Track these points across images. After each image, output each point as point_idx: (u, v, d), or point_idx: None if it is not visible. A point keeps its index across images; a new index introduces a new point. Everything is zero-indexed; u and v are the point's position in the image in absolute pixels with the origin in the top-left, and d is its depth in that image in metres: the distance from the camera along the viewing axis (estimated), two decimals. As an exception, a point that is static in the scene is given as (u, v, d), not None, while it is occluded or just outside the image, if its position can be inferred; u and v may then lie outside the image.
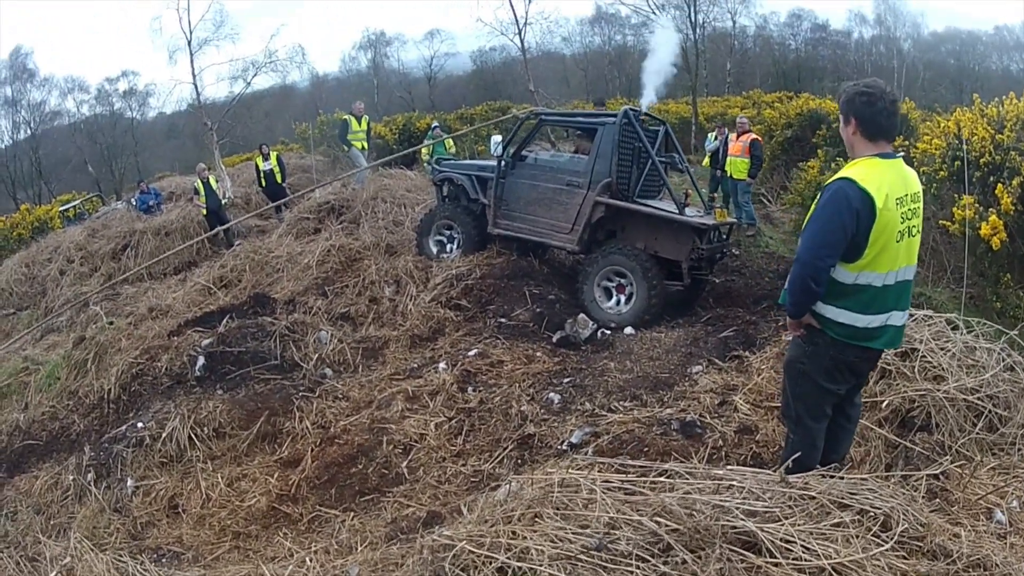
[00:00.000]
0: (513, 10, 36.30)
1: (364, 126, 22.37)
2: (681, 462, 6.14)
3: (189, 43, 32.38)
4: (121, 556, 6.49)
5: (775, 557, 4.00)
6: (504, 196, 13.55)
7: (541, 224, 13.19)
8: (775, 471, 4.94)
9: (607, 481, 4.94)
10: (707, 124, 32.89)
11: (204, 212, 21.79)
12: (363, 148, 22.31)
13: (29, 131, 59.07)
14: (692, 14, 42.85)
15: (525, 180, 13.40)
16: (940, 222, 12.44)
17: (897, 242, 4.97)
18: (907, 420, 6.97)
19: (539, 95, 34.74)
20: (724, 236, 13.31)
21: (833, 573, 3.95)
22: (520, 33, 36.43)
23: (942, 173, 13.28)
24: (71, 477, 9.00)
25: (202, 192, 21.50)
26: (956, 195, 12.73)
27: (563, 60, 68.69)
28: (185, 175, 36.91)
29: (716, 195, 18.21)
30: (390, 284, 13.45)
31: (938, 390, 6.99)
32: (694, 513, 4.26)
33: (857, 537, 4.22)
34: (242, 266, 15.90)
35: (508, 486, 5.63)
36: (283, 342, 11.18)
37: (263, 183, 23.26)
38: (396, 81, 72.55)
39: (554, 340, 11.33)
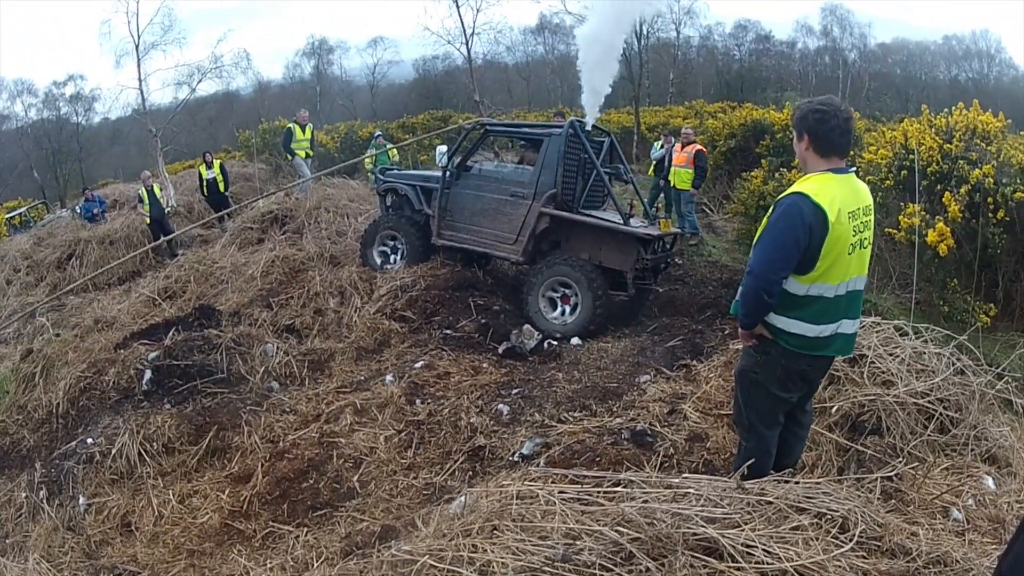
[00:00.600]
0: (461, 20, 36.30)
1: (308, 135, 22.36)
2: (634, 471, 6.16)
3: (137, 47, 32.31)
4: (79, 576, 6.44)
5: (738, 562, 4.01)
6: (448, 207, 13.53)
7: (486, 235, 13.19)
8: (731, 478, 4.96)
9: (563, 492, 4.94)
10: (649, 134, 33.13)
11: (148, 221, 21.51)
12: (307, 156, 22.31)
13: (-23, 134, 58.54)
14: (637, 25, 43.03)
15: (470, 191, 13.39)
16: (886, 230, 12.56)
17: (849, 254, 5.03)
18: (857, 424, 7.03)
19: (485, 105, 34.81)
20: (668, 246, 13.40)
21: (796, 575, 3.97)
22: (467, 43, 36.50)
23: (888, 182, 13.43)
24: (24, 494, 8.91)
25: (146, 200, 21.21)
26: (902, 203, 12.88)
27: (506, 69, 68.66)
28: (129, 182, 36.69)
29: (660, 205, 18.27)
30: (335, 295, 13.39)
31: (888, 395, 7.07)
32: (654, 522, 4.26)
33: (817, 539, 4.24)
34: (186, 277, 15.80)
35: (463, 499, 5.61)
36: (229, 355, 11.06)
37: (206, 192, 23.06)
38: (339, 89, 72.67)
39: (500, 351, 11.32)
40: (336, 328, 12.54)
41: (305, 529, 7.37)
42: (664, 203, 18.80)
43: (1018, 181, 11.98)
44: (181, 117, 39.52)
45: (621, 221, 12.18)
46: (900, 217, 12.43)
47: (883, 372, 7.41)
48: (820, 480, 5.08)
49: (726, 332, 10.53)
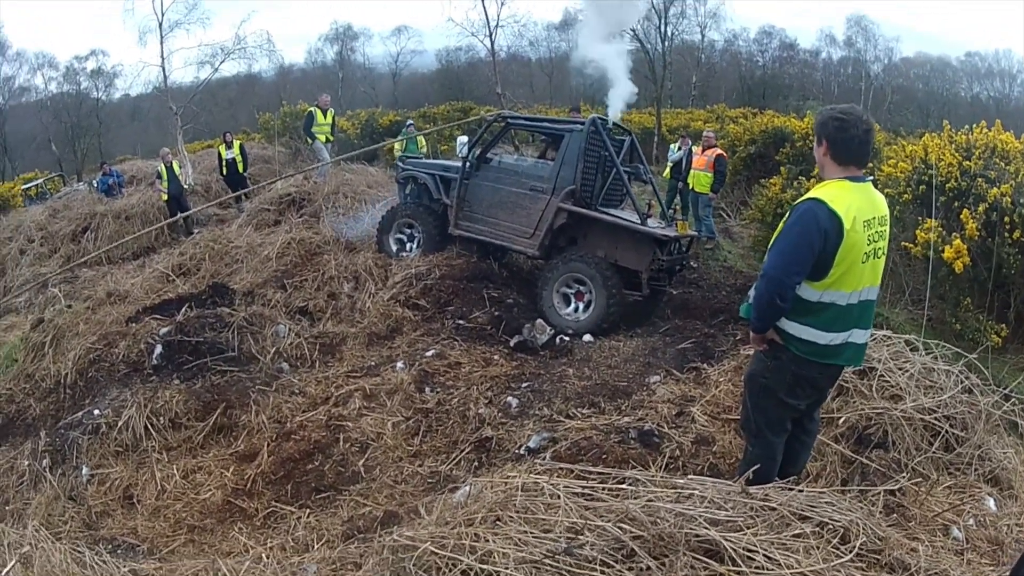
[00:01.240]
0: (485, 12, 36.27)
1: (329, 119, 22.30)
2: (640, 470, 6.16)
3: (160, 25, 32.36)
4: (78, 546, 6.39)
5: (738, 565, 4.02)
6: (467, 197, 13.54)
7: (503, 227, 13.19)
8: (735, 482, 4.96)
9: (568, 486, 4.93)
10: (670, 136, 33.00)
11: (165, 197, 21.56)
12: (327, 141, 22.22)
13: (-3, 105, 58.56)
14: (662, 25, 42.94)
15: (489, 183, 13.39)
16: (902, 244, 12.52)
17: (862, 263, 5.03)
18: (863, 437, 7.02)
19: (506, 98, 34.77)
20: (684, 248, 13.36)
21: (795, 582, 3.98)
22: (491, 35, 36.45)
23: (906, 196, 13.37)
24: (27, 462, 8.90)
25: (164, 176, 21.26)
26: (920, 218, 12.84)
27: (528, 64, 68.55)
28: (147, 159, 36.63)
29: (677, 207, 18.24)
30: (349, 280, 13.40)
31: (895, 409, 7.06)
32: (657, 520, 4.27)
33: (817, 548, 4.26)
34: (201, 255, 15.80)
35: (467, 488, 5.61)
36: (241, 334, 11.05)
37: (224, 171, 23.14)
38: (361, 76, 72.36)
39: (512, 344, 11.33)
40: (349, 313, 12.55)
41: (307, 511, 7.41)
42: (680, 205, 18.80)
43: (1037, 202, 11.95)
44: (202, 96, 39.59)
45: (639, 221, 12.19)
46: (917, 232, 12.38)
47: (892, 386, 7.41)
48: (824, 490, 5.07)
49: (737, 337, 10.51)
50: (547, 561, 4.12)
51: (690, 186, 18.08)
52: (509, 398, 9.11)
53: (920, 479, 6.42)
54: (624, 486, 4.93)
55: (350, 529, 6.84)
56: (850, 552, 4.31)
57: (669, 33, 48.93)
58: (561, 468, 6.04)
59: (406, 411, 9.02)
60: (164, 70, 33.40)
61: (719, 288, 14.79)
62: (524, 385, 9.57)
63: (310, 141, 22.64)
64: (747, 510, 4.51)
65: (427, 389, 9.55)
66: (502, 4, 36.57)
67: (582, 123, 12.73)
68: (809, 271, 4.97)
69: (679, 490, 4.81)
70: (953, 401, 7.23)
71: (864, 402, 7.27)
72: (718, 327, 11.86)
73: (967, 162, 13.05)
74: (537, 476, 5.21)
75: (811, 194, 5.05)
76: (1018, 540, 5.79)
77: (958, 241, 11.69)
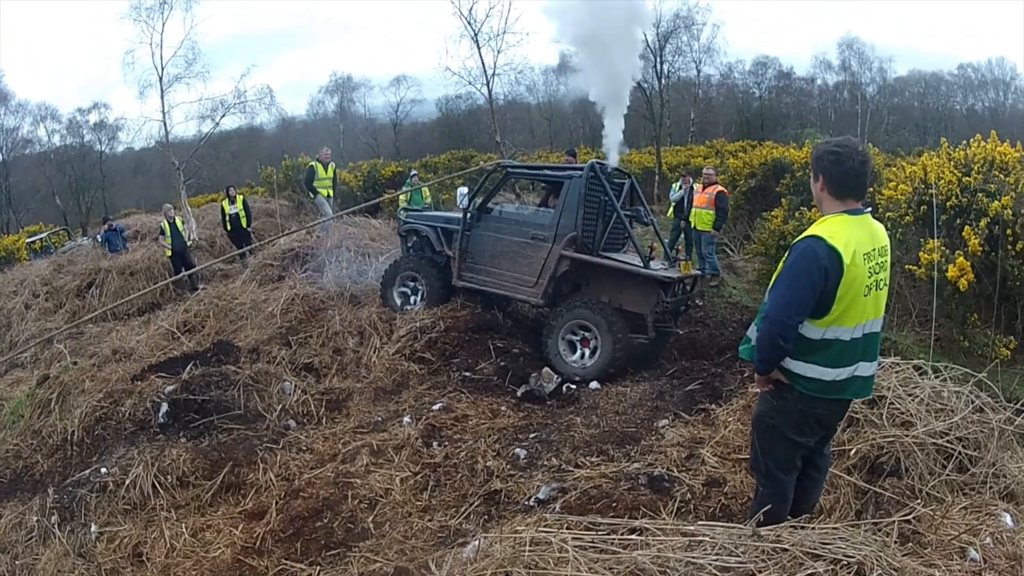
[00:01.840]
0: (482, 61, 36.40)
1: (330, 173, 22.45)
2: (650, 517, 6.18)
3: (160, 79, 32.50)
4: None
5: (752, 611, 3.98)
6: (469, 249, 13.51)
7: (506, 277, 13.15)
8: (747, 524, 4.92)
9: (577, 539, 4.89)
10: (670, 174, 33.17)
11: (169, 253, 21.62)
12: (329, 195, 22.33)
13: (0, 157, 59.13)
14: (657, 64, 43.10)
15: (490, 233, 13.36)
16: (906, 267, 12.52)
17: (864, 296, 5.00)
18: (876, 466, 6.98)
19: (505, 146, 34.89)
20: (689, 288, 13.35)
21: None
22: (488, 83, 36.56)
23: (908, 218, 13.42)
24: (35, 518, 8.84)
25: (168, 233, 21.32)
26: (922, 239, 12.87)
27: (528, 109, 69.09)
28: (151, 213, 36.86)
29: (680, 247, 18.22)
30: (354, 335, 13.34)
31: (907, 435, 7.03)
32: (668, 571, 4.23)
33: (832, 587, 4.18)
34: (206, 311, 15.78)
35: (476, 543, 5.57)
36: (247, 392, 11.04)
37: (228, 227, 23.17)
38: (362, 127, 72.85)
39: (519, 394, 11.29)
40: (355, 368, 12.50)
41: (318, 568, 7.34)
42: (684, 244, 18.78)
43: (1037, 211, 11.96)
44: (204, 150, 39.60)
45: (641, 264, 12.14)
46: (920, 253, 12.39)
47: (902, 413, 7.37)
48: (837, 525, 5.03)
49: (745, 375, 10.40)
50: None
51: (692, 224, 18.06)
52: (517, 449, 9.07)
53: (935, 504, 6.36)
54: (634, 537, 4.89)
55: (362, 586, 6.77)
56: (865, 587, 4.22)
57: (665, 71, 49.07)
58: (570, 520, 5.95)
59: (414, 466, 8.98)
60: (165, 124, 33.48)
61: (725, 325, 14.80)
62: (532, 436, 9.54)
63: (312, 196, 22.75)
64: (759, 553, 4.47)
65: (434, 443, 9.52)
66: (498, 52, 36.64)
67: (581, 169, 12.70)
68: (811, 310, 4.94)
69: (689, 537, 4.76)
70: (964, 422, 7.20)
71: (875, 431, 7.23)
72: (725, 365, 11.77)
73: (967, 178, 13.15)
74: (546, 529, 5.16)
75: (809, 231, 5.02)
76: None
77: (961, 259, 11.74)
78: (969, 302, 12.31)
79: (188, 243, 22.77)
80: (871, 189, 14.37)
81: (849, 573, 4.39)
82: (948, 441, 7.01)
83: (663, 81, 47.64)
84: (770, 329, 5.00)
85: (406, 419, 10.26)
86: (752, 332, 5.35)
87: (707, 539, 4.67)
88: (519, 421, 10.21)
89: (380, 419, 10.55)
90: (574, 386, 11.63)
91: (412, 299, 14.21)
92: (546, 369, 11.88)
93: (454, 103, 68.37)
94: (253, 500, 8.79)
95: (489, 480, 8.40)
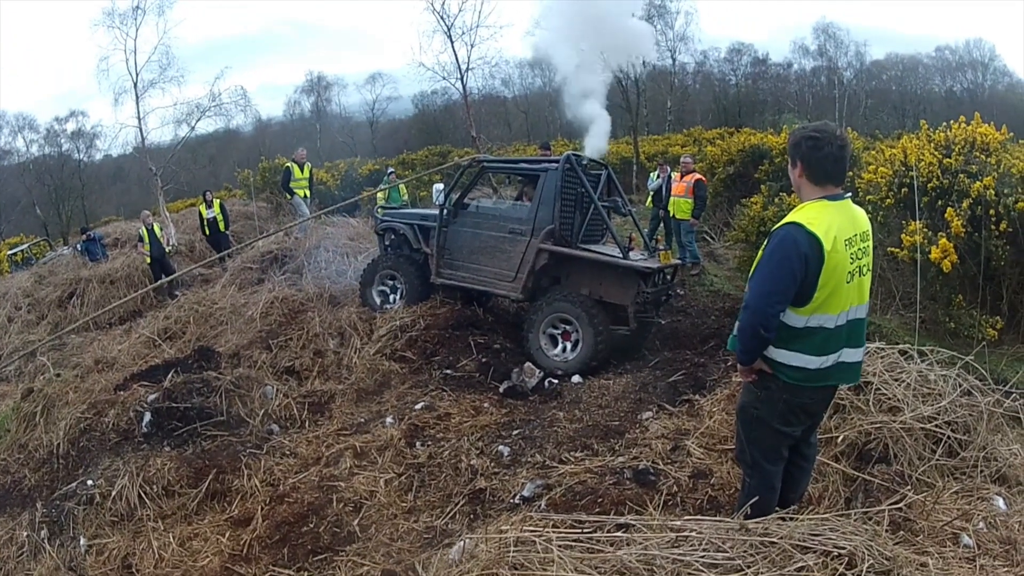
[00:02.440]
0: (455, 55, 36.37)
1: (306, 173, 22.45)
2: (637, 512, 6.18)
3: (135, 85, 32.42)
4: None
5: (740, 608, 3.93)
6: (447, 245, 13.50)
7: (484, 273, 13.14)
8: (734, 517, 4.88)
9: (563, 538, 4.84)
10: (648, 163, 33.20)
11: (148, 260, 21.59)
12: (305, 196, 22.32)
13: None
14: (632, 55, 43.22)
15: (468, 228, 13.36)
16: (888, 249, 12.51)
17: (847, 283, 4.95)
18: (864, 453, 6.95)
19: (481, 140, 34.94)
20: (669, 278, 13.34)
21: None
22: (462, 78, 36.57)
23: (889, 201, 13.43)
24: (25, 533, 8.83)
25: (146, 239, 21.27)
26: (904, 222, 12.86)
27: (504, 103, 68.99)
28: (131, 220, 36.82)
29: (659, 237, 18.22)
30: (334, 336, 13.30)
31: (894, 421, 7.01)
32: (654, 569, 4.18)
33: (823, 579, 4.12)
34: (186, 318, 15.76)
35: (462, 544, 5.52)
36: (229, 397, 11.03)
37: (207, 231, 23.13)
38: (338, 126, 72.66)
39: (501, 390, 11.28)
40: (336, 369, 12.47)
41: (306, 573, 7.32)
42: (664, 234, 18.71)
43: (1020, 191, 12.01)
44: (181, 155, 39.55)
45: (620, 255, 12.12)
46: (902, 235, 12.39)
47: (889, 398, 7.34)
48: (827, 515, 4.96)
49: (729, 364, 10.41)
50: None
51: (671, 213, 18.04)
52: (501, 447, 9.05)
53: (926, 489, 6.33)
54: (620, 534, 4.84)
55: (349, 590, 6.73)
56: (857, 578, 4.17)
57: (641, 60, 49.10)
58: (556, 518, 5.89)
59: (398, 467, 8.95)
60: (141, 130, 33.41)
61: (707, 313, 14.83)
62: (515, 432, 9.51)
63: (289, 197, 22.72)
64: (747, 548, 4.41)
65: (418, 443, 9.49)
66: (472, 46, 36.63)
67: (557, 162, 12.65)
68: (792, 298, 4.88)
69: (676, 533, 4.70)
70: (952, 406, 7.19)
71: (862, 418, 7.19)
72: (708, 354, 11.81)
73: (947, 159, 13.18)
74: (531, 529, 5.11)
75: (789, 218, 4.97)
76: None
77: (944, 240, 11.78)
78: (953, 283, 12.33)
79: (167, 249, 22.70)
80: (850, 173, 14.39)
81: (840, 564, 4.33)
82: (937, 426, 6.99)
83: (639, 70, 47.64)
84: (751, 318, 4.94)
85: (389, 419, 10.24)
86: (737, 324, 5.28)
87: (694, 535, 4.61)
88: (502, 418, 10.21)
89: (363, 420, 10.55)
90: (556, 380, 11.65)
91: (391, 298, 14.21)
92: (528, 364, 11.89)
93: (430, 99, 68.51)
94: (239, 507, 8.76)
95: (473, 479, 8.39)
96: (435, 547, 7.01)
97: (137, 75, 32.24)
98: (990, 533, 5.71)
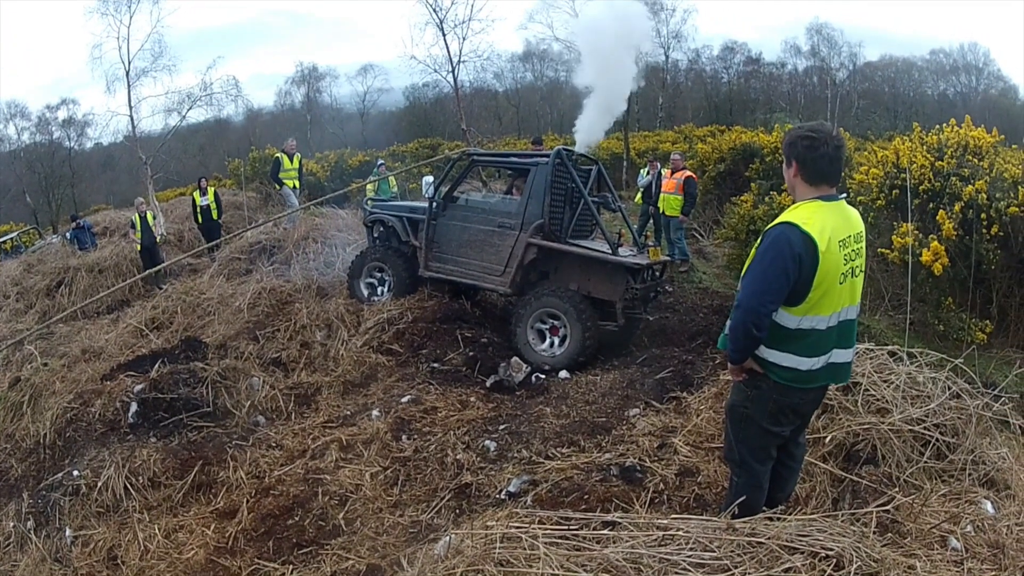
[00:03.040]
0: (447, 48, 36.38)
1: (296, 164, 22.31)
2: (623, 509, 6.16)
3: (127, 73, 32.46)
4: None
5: (727, 609, 3.91)
6: (435, 238, 13.50)
7: (473, 266, 13.13)
8: (721, 516, 4.88)
9: (549, 534, 4.81)
10: (639, 160, 33.12)
11: (138, 248, 21.61)
12: (295, 187, 22.22)
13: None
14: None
15: (457, 222, 13.35)
16: (879, 250, 12.52)
17: (840, 284, 4.93)
18: (852, 454, 6.95)
19: (472, 133, 34.90)
20: (658, 274, 13.29)
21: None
22: (454, 71, 36.57)
23: (880, 202, 13.43)
24: (11, 524, 8.83)
25: (138, 227, 21.32)
26: (894, 223, 12.88)
27: (495, 97, 68.75)
28: (120, 208, 36.67)
29: (649, 233, 18.18)
30: (321, 328, 13.29)
31: (882, 423, 6.99)
32: (641, 568, 4.16)
33: (810, 581, 4.10)
34: (174, 308, 15.74)
35: (447, 540, 5.48)
36: (215, 388, 11.03)
37: (199, 219, 23.06)
38: (329, 117, 72.35)
39: (488, 385, 11.28)
40: (323, 361, 12.45)
41: (291, 567, 7.27)
42: (653, 230, 18.73)
43: (1011, 195, 11.99)
44: (171, 144, 39.55)
45: (609, 251, 12.14)
46: (893, 237, 12.40)
47: (877, 399, 7.33)
48: (814, 516, 4.94)
49: (717, 362, 10.43)
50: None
51: (660, 210, 18.01)
52: (487, 441, 9.02)
53: (913, 491, 6.31)
54: (606, 531, 4.83)
55: (334, 585, 6.71)
56: (844, 580, 4.15)
57: (634, 56, 49.03)
58: (542, 515, 5.86)
59: (384, 460, 8.94)
60: (132, 119, 33.39)
61: (696, 311, 14.78)
62: (502, 427, 9.47)
63: (278, 187, 22.65)
64: (734, 547, 4.39)
65: (404, 437, 9.45)
66: (463, 39, 36.62)
67: (547, 156, 12.63)
68: (784, 298, 4.85)
69: (663, 531, 4.67)
70: (941, 408, 7.17)
71: (850, 418, 7.19)
72: (696, 352, 11.74)
73: (939, 162, 13.20)
74: (517, 525, 5.09)
75: (782, 218, 4.94)
76: (1019, 540, 5.71)
77: (935, 243, 11.75)
78: (943, 286, 12.35)
79: (156, 238, 22.60)
80: (843, 174, 14.41)
81: (828, 566, 4.31)
82: (925, 428, 6.98)
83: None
84: (743, 317, 4.90)
85: (375, 412, 10.19)
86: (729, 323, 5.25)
87: (681, 533, 4.59)
88: (488, 412, 10.18)
89: (349, 413, 10.52)
90: (543, 375, 11.65)
91: (379, 290, 14.19)
92: (515, 359, 11.90)
93: (421, 91, 68.07)
94: (224, 499, 8.74)
95: (459, 473, 8.37)
96: (420, 541, 7.00)
97: (129, 63, 32.32)
98: (978, 536, 5.68)
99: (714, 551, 4.35)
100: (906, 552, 5.13)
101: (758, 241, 5.01)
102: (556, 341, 12.25)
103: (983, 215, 11.99)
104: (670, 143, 37.29)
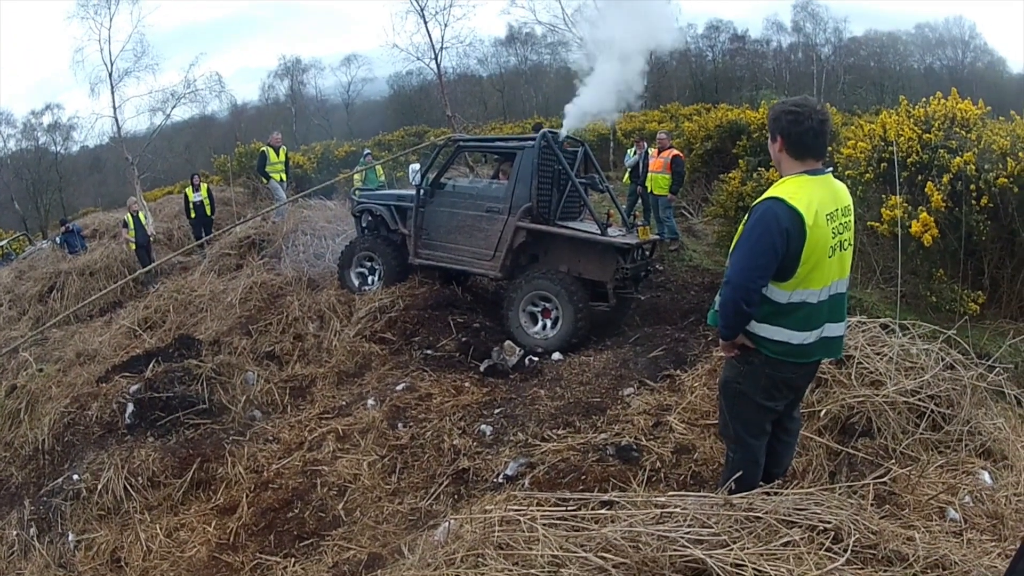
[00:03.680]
0: (429, 35, 36.34)
1: (282, 157, 22.28)
2: (620, 489, 6.19)
3: (110, 75, 32.54)
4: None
5: (728, 582, 3.91)
6: (424, 225, 13.49)
7: (463, 252, 13.13)
8: (718, 492, 4.89)
9: (547, 516, 4.82)
10: (625, 140, 33.10)
11: (133, 246, 21.52)
12: (282, 180, 22.20)
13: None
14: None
15: (445, 208, 13.34)
16: (868, 223, 12.51)
17: (829, 257, 4.93)
18: (847, 427, 6.97)
19: (457, 119, 34.86)
20: (648, 253, 13.33)
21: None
22: (436, 58, 36.55)
23: (868, 176, 13.43)
24: (15, 532, 8.86)
25: (131, 226, 21.23)
26: (883, 196, 12.86)
27: (479, 82, 68.43)
28: (108, 211, 36.54)
29: (638, 213, 18.16)
30: (314, 320, 13.30)
31: (877, 395, 7.01)
32: (640, 546, 4.16)
33: (808, 554, 4.13)
34: (166, 306, 15.68)
35: (447, 525, 5.51)
36: (210, 385, 11.07)
37: (193, 215, 22.88)
38: (314, 109, 72.16)
39: (482, 369, 11.32)
40: (316, 353, 12.46)
41: (292, 560, 7.34)
42: (642, 210, 18.73)
43: (1000, 167, 11.99)
44: (157, 143, 39.56)
45: (599, 231, 12.12)
46: (882, 210, 12.41)
47: (871, 372, 7.34)
48: (811, 489, 4.95)
49: (709, 339, 10.41)
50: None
51: (648, 189, 18.00)
52: (483, 426, 9.06)
53: (910, 463, 6.32)
54: (604, 511, 4.82)
55: (336, 575, 6.78)
56: (844, 552, 4.18)
57: (616, 37, 48.86)
58: (540, 496, 5.88)
59: (381, 449, 8.97)
60: (117, 120, 33.46)
61: (687, 289, 14.85)
62: (497, 411, 9.51)
63: (265, 181, 22.63)
64: (732, 523, 4.40)
65: (400, 425, 9.48)
66: (445, 26, 36.60)
67: (532, 139, 12.64)
68: (773, 273, 4.85)
69: (660, 509, 4.68)
70: (936, 380, 7.18)
71: (844, 391, 7.20)
72: (689, 329, 11.77)
73: (927, 135, 13.16)
74: (516, 508, 5.10)
75: (769, 193, 4.93)
76: (1017, 510, 5.76)
77: (924, 214, 11.76)
78: (934, 258, 12.33)
79: (149, 236, 22.48)
80: (829, 148, 14.40)
81: (826, 539, 4.33)
82: (920, 399, 6.99)
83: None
84: (732, 294, 4.91)
85: (370, 401, 10.24)
86: (718, 299, 5.25)
87: (679, 510, 4.60)
88: (483, 397, 10.21)
89: (344, 403, 10.57)
90: (537, 358, 11.66)
91: (370, 279, 14.20)
92: (508, 342, 11.91)
93: (405, 79, 67.93)
94: (224, 495, 8.82)
95: (456, 459, 8.42)
96: (420, 528, 7.07)
97: (112, 65, 32.38)
98: (976, 507, 5.72)
99: (712, 527, 4.36)
100: (904, 523, 5.15)
101: (746, 217, 5.01)
102: (548, 323, 12.27)
103: (972, 187, 11.98)
104: (656, 123, 37.17)
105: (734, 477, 5.05)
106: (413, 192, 13.65)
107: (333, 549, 7.32)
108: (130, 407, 10.60)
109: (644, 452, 7.39)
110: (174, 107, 36.36)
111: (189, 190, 22.79)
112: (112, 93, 32.74)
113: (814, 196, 4.82)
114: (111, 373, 11.93)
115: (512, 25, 62.37)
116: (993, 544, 5.07)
